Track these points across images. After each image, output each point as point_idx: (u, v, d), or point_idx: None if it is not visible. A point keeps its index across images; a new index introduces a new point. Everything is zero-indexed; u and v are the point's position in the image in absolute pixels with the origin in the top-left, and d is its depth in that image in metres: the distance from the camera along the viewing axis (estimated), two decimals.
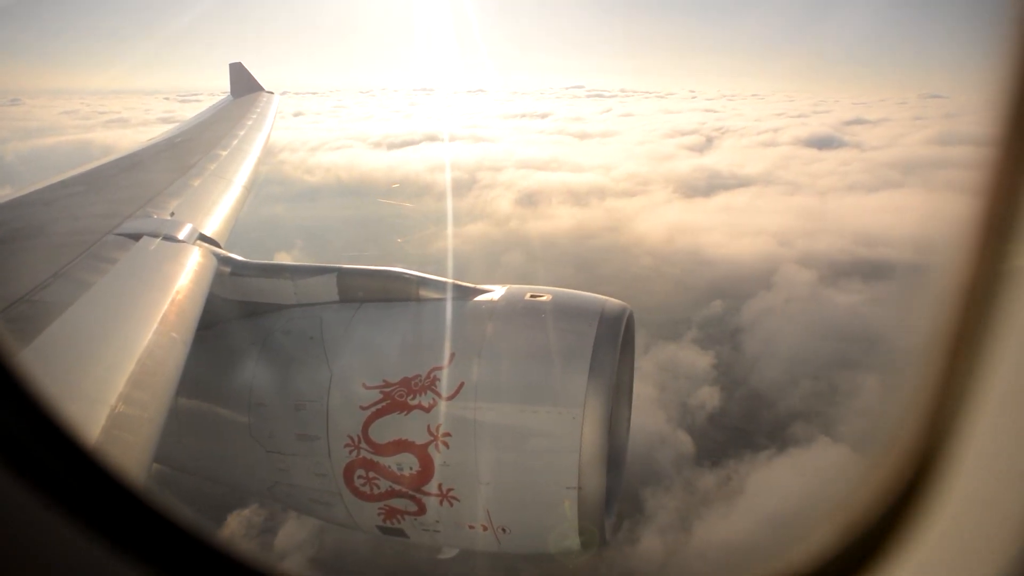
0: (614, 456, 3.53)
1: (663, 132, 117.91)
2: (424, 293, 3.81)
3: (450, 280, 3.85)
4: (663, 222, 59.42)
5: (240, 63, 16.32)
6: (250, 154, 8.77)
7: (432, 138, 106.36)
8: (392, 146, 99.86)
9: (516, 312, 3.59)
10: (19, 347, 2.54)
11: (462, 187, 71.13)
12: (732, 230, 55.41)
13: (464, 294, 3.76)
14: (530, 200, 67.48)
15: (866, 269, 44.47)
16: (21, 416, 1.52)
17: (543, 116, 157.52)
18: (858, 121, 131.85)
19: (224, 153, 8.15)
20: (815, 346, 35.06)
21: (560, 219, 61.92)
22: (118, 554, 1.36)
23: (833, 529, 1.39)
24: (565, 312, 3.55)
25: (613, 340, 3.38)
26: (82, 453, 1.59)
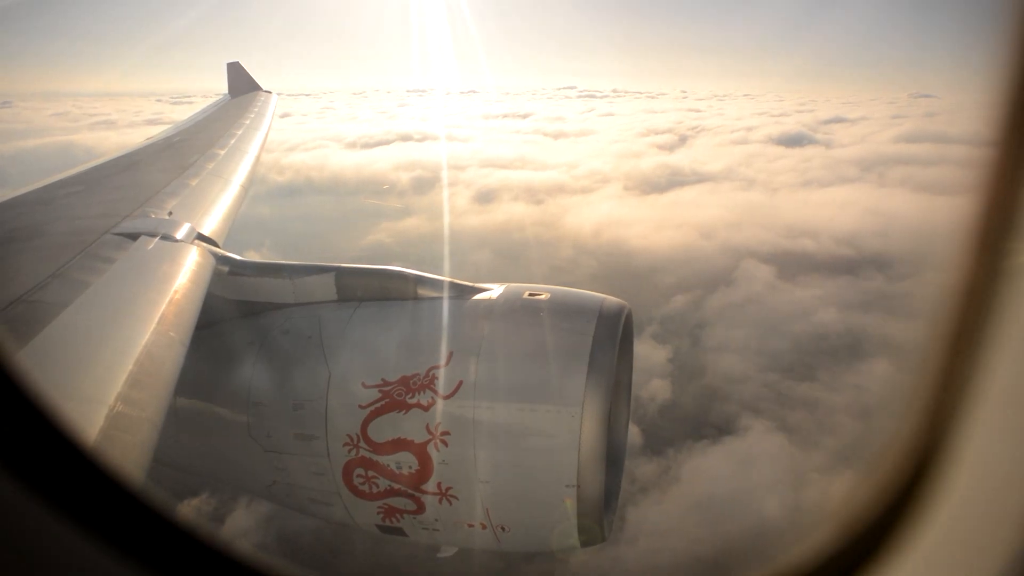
0: (613, 454, 3.53)
1: (638, 131, 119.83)
2: (422, 292, 3.81)
3: (448, 279, 3.85)
4: (604, 217, 61.38)
5: (238, 63, 16.29)
6: (248, 153, 8.77)
7: (406, 138, 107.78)
8: (366, 146, 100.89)
9: (514, 311, 3.58)
10: (17, 347, 2.53)
11: (424, 185, 73.62)
12: (664, 223, 57.83)
13: (462, 293, 3.76)
14: (484, 198, 69.16)
15: (787, 260, 46.74)
16: (19, 416, 1.52)
17: (524, 116, 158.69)
18: (837, 120, 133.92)
19: (222, 152, 8.14)
20: (709, 334, 36.88)
21: (503, 214, 63.88)
22: (117, 554, 1.36)
23: (833, 528, 1.39)
24: (563, 310, 3.55)
25: (612, 338, 3.38)
26: (80, 453, 1.58)
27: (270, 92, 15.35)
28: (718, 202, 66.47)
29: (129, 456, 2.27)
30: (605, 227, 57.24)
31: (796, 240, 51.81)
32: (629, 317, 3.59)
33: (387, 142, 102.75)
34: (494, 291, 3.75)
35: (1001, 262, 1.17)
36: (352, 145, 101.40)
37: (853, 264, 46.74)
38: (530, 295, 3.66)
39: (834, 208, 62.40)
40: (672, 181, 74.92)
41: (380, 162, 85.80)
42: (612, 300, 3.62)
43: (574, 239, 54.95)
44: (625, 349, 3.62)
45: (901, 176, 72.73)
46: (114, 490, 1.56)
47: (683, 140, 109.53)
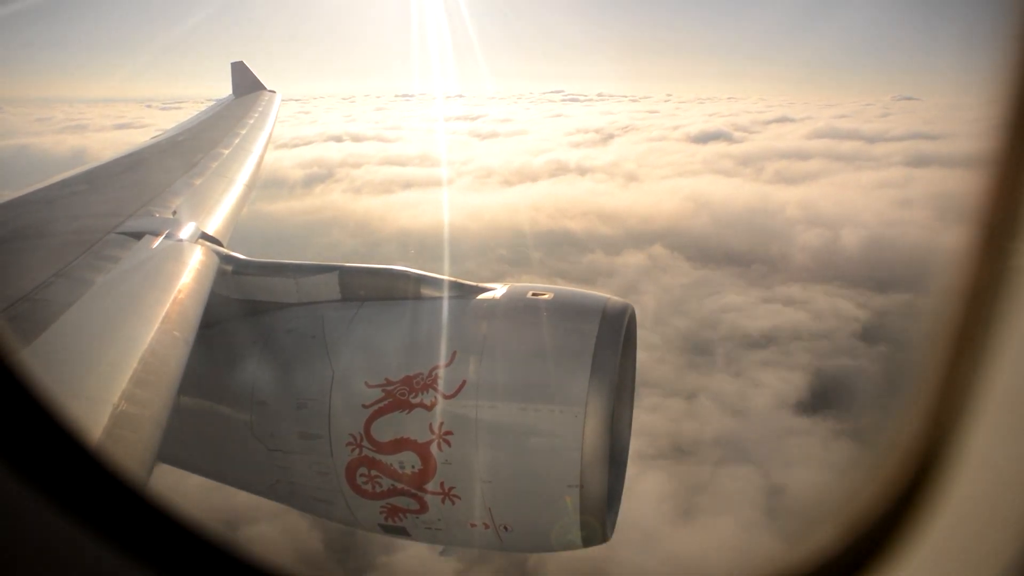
0: (616, 454, 3.53)
1: (567, 131, 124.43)
2: (426, 291, 3.81)
3: (451, 279, 3.85)
4: (429, 204, 65.66)
5: (242, 62, 16.28)
6: (252, 153, 8.78)
7: (338, 139, 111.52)
8: (293, 146, 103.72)
9: (518, 310, 3.59)
10: (21, 346, 2.54)
11: (314, 180, 78.57)
12: (493, 210, 62.91)
13: (465, 292, 3.76)
14: (357, 191, 73.88)
15: (549, 239, 52.79)
16: (23, 415, 1.52)
17: (475, 118, 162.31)
18: (783, 119, 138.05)
19: (226, 152, 8.15)
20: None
21: (334, 201, 68.85)
22: (121, 553, 1.36)
23: (835, 529, 1.39)
24: (567, 310, 3.54)
25: (615, 338, 3.38)
26: (85, 452, 1.59)
27: (274, 92, 15.35)
28: (562, 192, 73.91)
29: (133, 455, 2.27)
30: (410, 213, 62.13)
31: (562, 221, 58.97)
32: (632, 317, 3.59)
33: (310, 142, 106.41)
34: (497, 291, 3.75)
35: (1003, 263, 1.16)
36: (283, 146, 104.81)
37: (609, 243, 54.01)
38: (533, 295, 3.66)
39: (662, 196, 70.52)
40: (543, 174, 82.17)
41: (286, 160, 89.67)
42: (616, 300, 3.62)
43: (367, 224, 60.70)
44: (628, 349, 3.62)
45: (776, 169, 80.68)
46: (118, 489, 1.57)
47: (605, 139, 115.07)
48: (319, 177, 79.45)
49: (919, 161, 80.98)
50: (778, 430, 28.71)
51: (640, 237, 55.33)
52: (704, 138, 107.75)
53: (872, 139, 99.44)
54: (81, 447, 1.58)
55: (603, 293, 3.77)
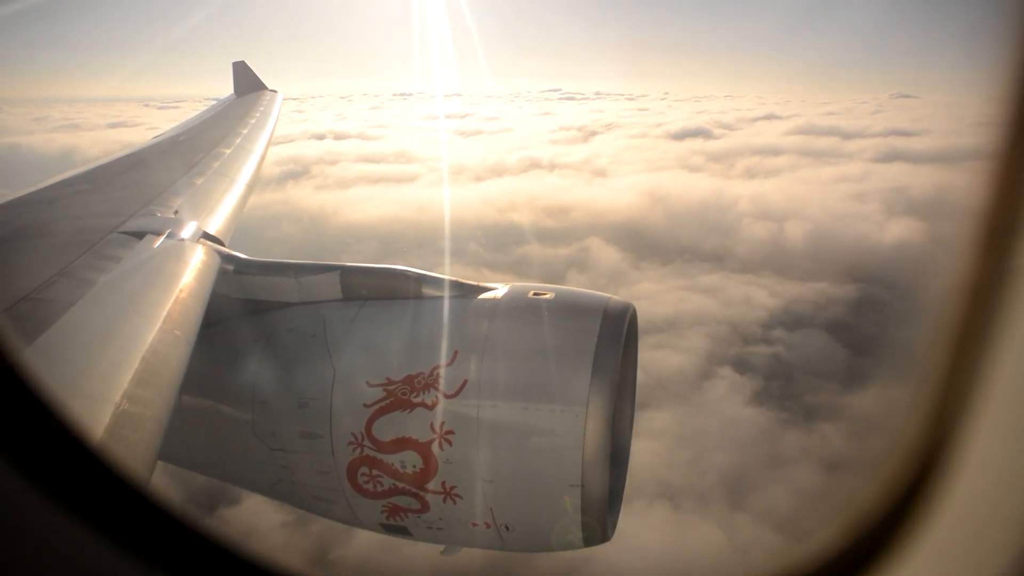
0: (617, 453, 3.53)
1: (551, 129, 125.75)
2: (427, 291, 3.81)
3: (452, 278, 3.85)
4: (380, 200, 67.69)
5: (244, 62, 16.28)
6: (253, 152, 8.79)
7: (320, 137, 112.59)
8: (277, 143, 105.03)
9: (519, 310, 3.59)
10: (23, 345, 2.55)
11: (289, 176, 79.64)
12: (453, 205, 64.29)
13: (466, 292, 3.77)
14: (324, 188, 75.14)
15: (494, 232, 53.51)
16: (25, 414, 1.52)
17: (463, 116, 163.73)
18: (771, 116, 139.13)
19: (227, 151, 8.15)
20: None
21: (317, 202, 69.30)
22: (123, 552, 1.36)
23: (837, 529, 1.39)
24: (568, 310, 3.55)
25: (616, 338, 3.38)
26: (87, 451, 1.59)
27: (275, 91, 15.35)
28: (524, 188, 75.73)
29: (135, 454, 2.28)
30: (362, 208, 64.33)
31: (510, 215, 61.20)
32: (634, 317, 3.59)
33: (293, 140, 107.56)
34: (498, 290, 3.75)
35: (1004, 263, 1.16)
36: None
37: (549, 236, 55.60)
38: (534, 294, 3.66)
39: (621, 191, 72.23)
40: (514, 170, 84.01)
41: (267, 157, 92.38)
42: (617, 300, 3.62)
43: (320, 219, 61.97)
44: (630, 349, 3.62)
45: (746, 165, 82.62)
46: (120, 488, 1.57)
47: (587, 136, 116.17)
48: (294, 174, 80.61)
49: (886, 157, 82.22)
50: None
51: (580, 230, 56.85)
52: (682, 135, 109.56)
53: (849, 136, 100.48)
54: (83, 446, 1.59)
55: (590, 290, 3.78)
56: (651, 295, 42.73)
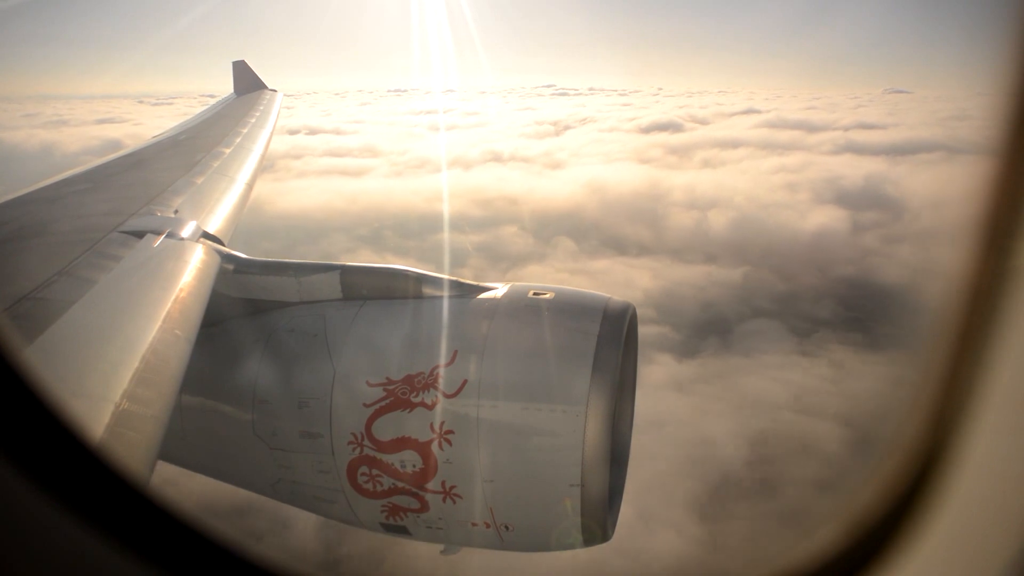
0: (617, 453, 3.53)
1: (525, 124, 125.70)
2: (427, 291, 3.82)
3: (453, 278, 3.85)
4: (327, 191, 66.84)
5: (244, 61, 16.29)
6: (253, 152, 8.79)
7: (293, 132, 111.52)
8: None
9: (519, 310, 3.59)
10: (23, 344, 2.55)
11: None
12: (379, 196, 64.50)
13: (466, 292, 3.77)
14: (276, 181, 74.62)
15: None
16: (26, 413, 1.52)
17: (445, 112, 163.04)
18: (749, 111, 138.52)
19: (227, 151, 8.15)
20: None
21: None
22: (123, 552, 1.36)
23: (837, 528, 1.39)
24: (568, 310, 3.55)
25: (616, 338, 3.38)
26: (87, 450, 1.59)
27: (275, 91, 15.37)
28: (471, 180, 74.65)
29: (135, 453, 2.28)
30: (295, 199, 63.35)
31: (437, 205, 59.76)
32: (634, 317, 3.60)
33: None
34: (498, 290, 3.75)
35: (1005, 263, 1.16)
36: None
37: (470, 224, 54.62)
38: (534, 294, 3.66)
39: (567, 182, 72.36)
40: (473, 163, 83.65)
41: None
42: (617, 300, 3.62)
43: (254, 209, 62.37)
44: (630, 348, 3.62)
45: (703, 157, 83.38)
46: (120, 487, 1.57)
47: (560, 130, 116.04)
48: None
49: (840, 150, 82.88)
50: None
51: (502, 219, 57.00)
52: (651, 129, 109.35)
53: (816, 129, 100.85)
54: (83, 445, 1.59)
55: (590, 290, 3.78)
56: (536, 277, 42.68)
